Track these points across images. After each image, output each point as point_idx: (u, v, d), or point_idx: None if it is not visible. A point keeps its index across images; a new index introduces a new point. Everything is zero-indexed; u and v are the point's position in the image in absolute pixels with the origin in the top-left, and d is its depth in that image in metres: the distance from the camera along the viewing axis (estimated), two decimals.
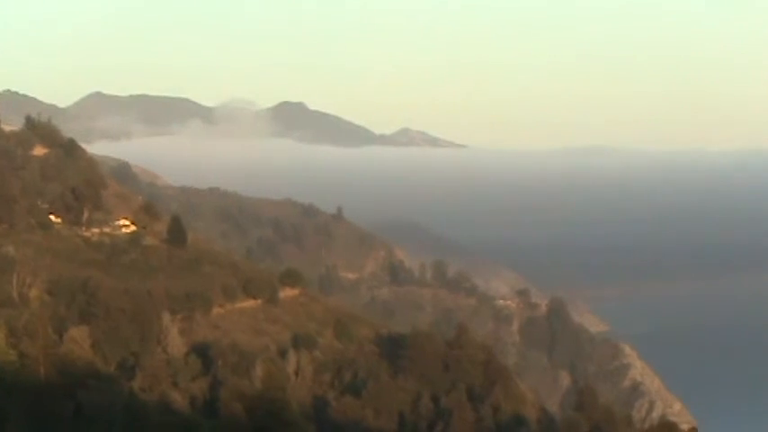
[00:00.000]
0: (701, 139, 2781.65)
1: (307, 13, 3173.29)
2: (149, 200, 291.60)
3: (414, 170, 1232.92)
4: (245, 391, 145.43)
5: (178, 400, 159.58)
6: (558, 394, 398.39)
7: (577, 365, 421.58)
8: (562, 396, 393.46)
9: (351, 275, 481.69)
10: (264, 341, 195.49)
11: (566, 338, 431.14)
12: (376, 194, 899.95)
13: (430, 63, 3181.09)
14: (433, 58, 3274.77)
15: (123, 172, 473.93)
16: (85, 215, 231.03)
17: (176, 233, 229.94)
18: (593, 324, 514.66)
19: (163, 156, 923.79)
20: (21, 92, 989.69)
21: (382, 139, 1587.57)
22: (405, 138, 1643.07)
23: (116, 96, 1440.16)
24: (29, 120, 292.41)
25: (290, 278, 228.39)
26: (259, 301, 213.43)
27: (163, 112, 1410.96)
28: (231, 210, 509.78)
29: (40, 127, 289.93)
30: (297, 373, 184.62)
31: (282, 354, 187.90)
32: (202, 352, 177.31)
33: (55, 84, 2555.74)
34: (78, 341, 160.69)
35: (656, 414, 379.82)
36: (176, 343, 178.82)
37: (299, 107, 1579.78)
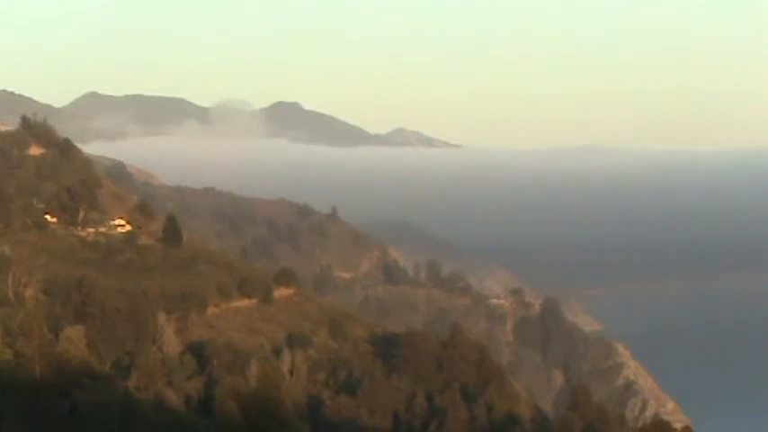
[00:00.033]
0: (700, 139, 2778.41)
1: (301, 13, 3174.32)
2: (144, 199, 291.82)
3: (408, 170, 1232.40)
4: (239, 390, 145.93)
5: (173, 399, 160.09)
6: (551, 393, 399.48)
7: (571, 364, 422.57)
8: (556, 395, 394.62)
9: (345, 275, 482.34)
10: (259, 340, 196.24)
11: (559, 338, 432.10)
12: (370, 194, 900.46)
13: (424, 63, 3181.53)
14: (427, 58, 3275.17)
15: (118, 172, 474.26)
16: (81, 215, 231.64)
17: (171, 233, 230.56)
18: (586, 323, 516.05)
19: (158, 156, 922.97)
20: (16, 92, 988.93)
21: (377, 139, 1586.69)
22: (399, 138, 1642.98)
23: (111, 96, 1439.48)
24: (24, 120, 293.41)
25: (285, 277, 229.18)
26: (254, 301, 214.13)
27: (158, 112, 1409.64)
28: (226, 209, 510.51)
29: (35, 127, 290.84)
30: (292, 372, 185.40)
31: (277, 353, 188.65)
32: (197, 351, 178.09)
33: (50, 84, 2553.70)
34: (74, 340, 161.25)
35: (649, 413, 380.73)
36: (171, 342, 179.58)
37: (294, 107, 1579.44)
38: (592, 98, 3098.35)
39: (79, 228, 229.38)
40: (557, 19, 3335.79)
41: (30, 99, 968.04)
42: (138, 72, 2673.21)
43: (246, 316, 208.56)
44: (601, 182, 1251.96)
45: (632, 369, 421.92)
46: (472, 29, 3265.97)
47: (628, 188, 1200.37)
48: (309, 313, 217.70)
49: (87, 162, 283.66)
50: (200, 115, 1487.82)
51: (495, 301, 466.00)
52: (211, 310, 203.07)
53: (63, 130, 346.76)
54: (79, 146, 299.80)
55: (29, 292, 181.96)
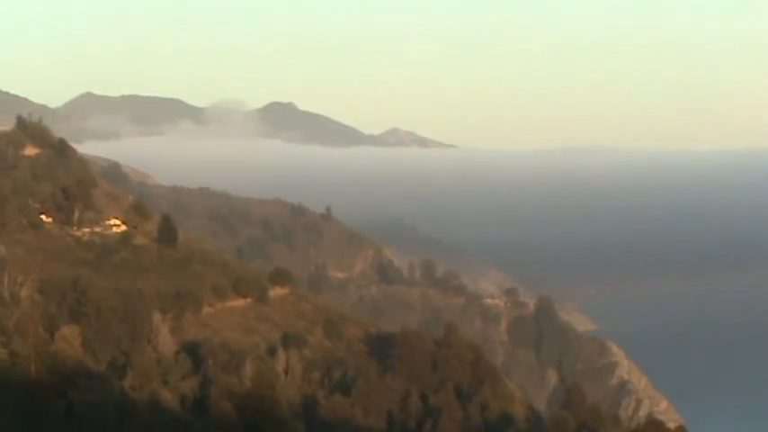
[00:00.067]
0: (700, 139, 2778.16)
1: (296, 14, 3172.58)
2: (140, 199, 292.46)
3: (403, 170, 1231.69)
4: (234, 390, 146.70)
5: (168, 398, 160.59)
6: (545, 393, 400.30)
7: (565, 364, 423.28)
8: (550, 394, 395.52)
9: (340, 275, 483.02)
10: (254, 340, 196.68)
11: (553, 337, 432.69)
12: (365, 194, 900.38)
13: (418, 63, 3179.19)
14: (421, 59, 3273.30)
15: (114, 172, 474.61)
16: (76, 215, 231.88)
17: (167, 232, 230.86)
18: (580, 323, 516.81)
19: (153, 156, 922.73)
20: (11, 92, 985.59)
21: (371, 140, 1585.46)
22: (394, 138, 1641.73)
23: (107, 97, 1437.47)
24: (20, 120, 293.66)
25: (280, 277, 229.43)
26: (249, 300, 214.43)
27: (153, 112, 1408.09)
28: (221, 209, 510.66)
29: (30, 127, 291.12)
30: (286, 372, 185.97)
31: (272, 352, 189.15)
32: (192, 351, 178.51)
33: (46, 84, 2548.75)
34: (69, 340, 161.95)
35: (642, 412, 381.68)
36: (167, 342, 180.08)
37: (289, 108, 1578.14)
38: (591, 98, 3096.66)
39: (74, 228, 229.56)
40: (554, 18, 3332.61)
41: (25, 99, 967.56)
42: (133, 72, 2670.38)
43: (241, 316, 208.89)
44: (600, 182, 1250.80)
45: (626, 368, 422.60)
46: (467, 28, 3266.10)
47: (627, 188, 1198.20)
48: (304, 313, 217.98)
49: (83, 162, 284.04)
50: (196, 115, 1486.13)
51: (489, 300, 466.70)
52: (206, 309, 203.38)
53: (58, 130, 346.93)
54: (74, 146, 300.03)
55: (24, 292, 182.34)
